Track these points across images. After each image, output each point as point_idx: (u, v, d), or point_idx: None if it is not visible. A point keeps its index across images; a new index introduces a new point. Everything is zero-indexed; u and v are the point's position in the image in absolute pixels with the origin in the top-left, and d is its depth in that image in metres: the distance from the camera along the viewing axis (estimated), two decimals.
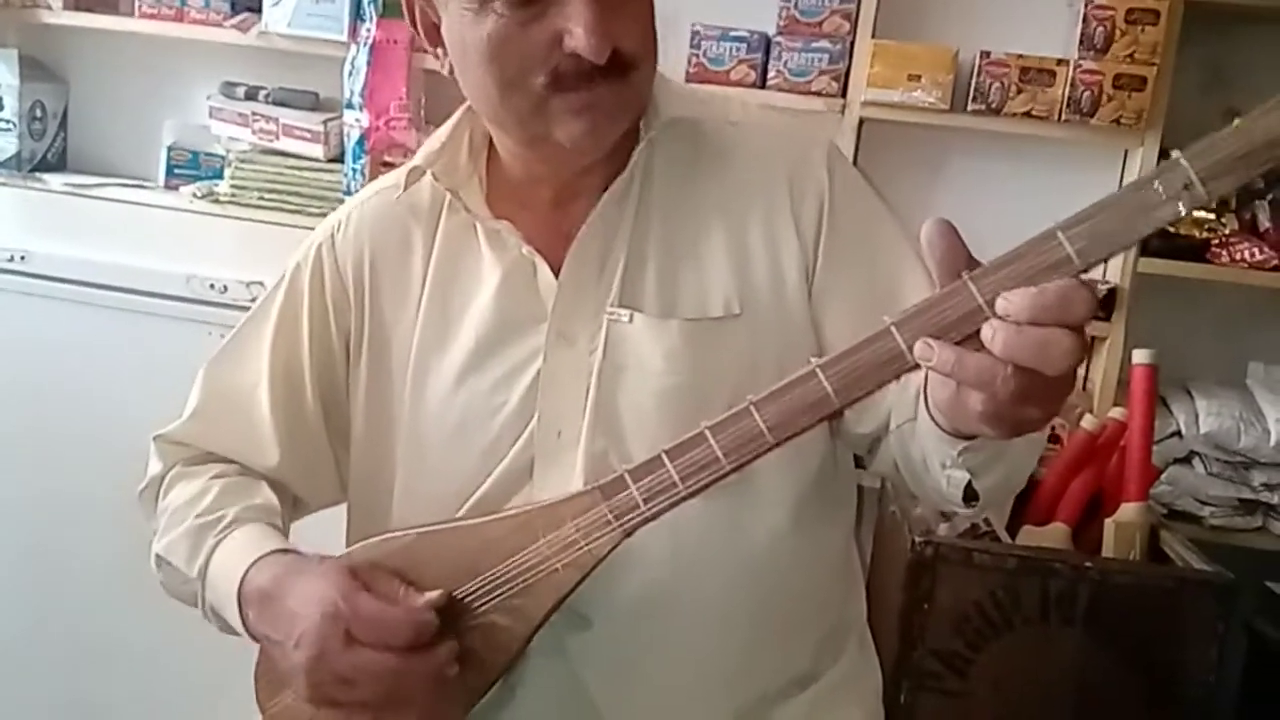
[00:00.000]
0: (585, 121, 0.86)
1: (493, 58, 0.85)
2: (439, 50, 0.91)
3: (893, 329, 0.67)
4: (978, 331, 0.65)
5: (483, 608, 0.84)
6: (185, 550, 0.94)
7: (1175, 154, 0.61)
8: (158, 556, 0.97)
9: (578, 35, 0.81)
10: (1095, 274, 2.18)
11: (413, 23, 0.93)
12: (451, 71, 0.91)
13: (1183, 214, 0.62)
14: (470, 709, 0.87)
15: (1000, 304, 0.64)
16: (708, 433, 0.74)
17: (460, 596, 0.84)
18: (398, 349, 0.97)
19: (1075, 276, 0.63)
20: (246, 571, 0.89)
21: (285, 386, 1.00)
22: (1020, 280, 0.64)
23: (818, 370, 0.70)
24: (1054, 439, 2.09)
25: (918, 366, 0.66)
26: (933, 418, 0.75)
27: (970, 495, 0.80)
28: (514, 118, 0.88)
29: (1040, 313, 0.62)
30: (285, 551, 0.90)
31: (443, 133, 0.97)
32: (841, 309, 0.92)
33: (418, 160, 0.95)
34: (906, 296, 0.92)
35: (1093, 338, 2.23)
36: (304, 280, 1.00)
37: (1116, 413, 1.92)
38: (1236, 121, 0.61)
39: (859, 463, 1.02)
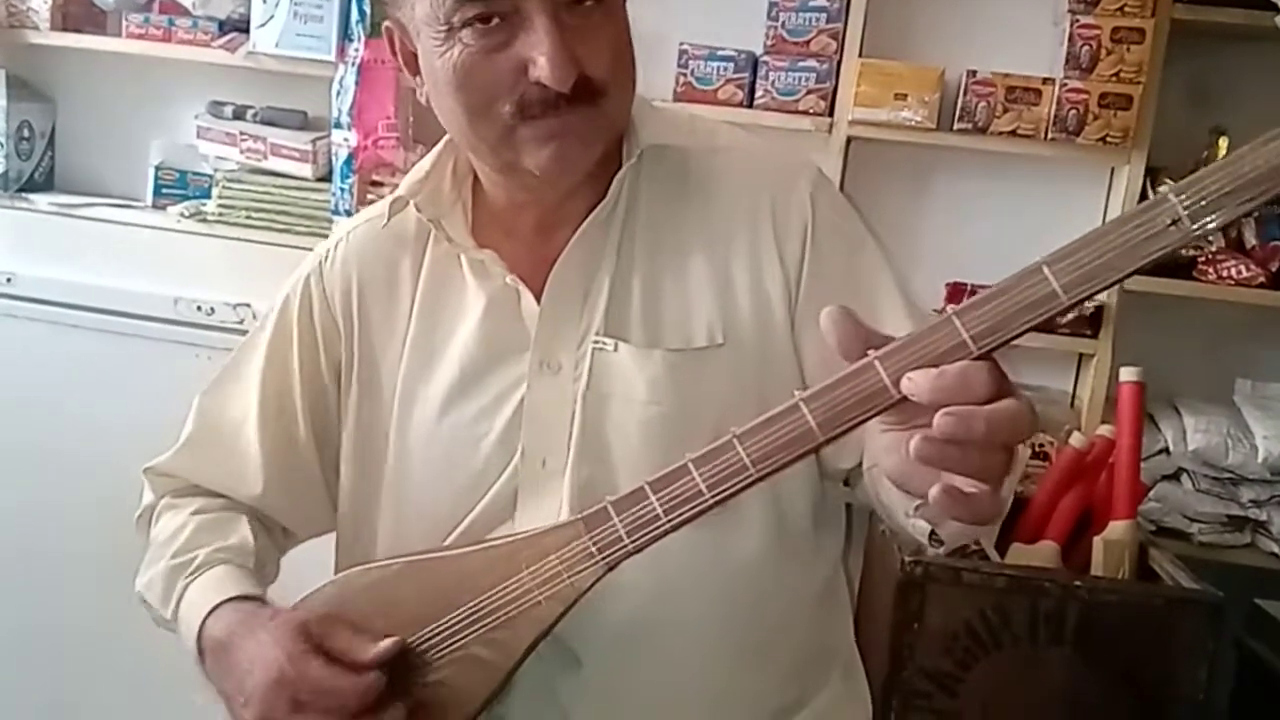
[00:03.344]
0: (553, 149, 0.86)
1: (460, 86, 0.85)
2: (418, 78, 0.92)
3: (876, 362, 0.66)
4: None
5: (463, 640, 0.83)
6: (160, 591, 0.95)
7: (1164, 189, 0.61)
8: (139, 594, 0.97)
9: (541, 64, 0.81)
10: None
11: (393, 51, 0.93)
12: (429, 100, 0.91)
13: (1169, 249, 0.61)
14: None
15: (904, 384, 0.64)
16: (691, 465, 0.73)
17: (440, 629, 0.84)
18: (386, 379, 0.97)
19: (982, 355, 0.64)
20: (205, 619, 0.90)
21: (276, 418, 1.00)
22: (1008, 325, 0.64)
23: (801, 404, 0.69)
24: (1043, 456, 2.09)
25: (902, 400, 0.66)
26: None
27: (936, 537, 0.80)
28: (485, 145, 0.88)
29: (940, 394, 0.63)
30: (246, 599, 0.91)
31: (426, 162, 0.97)
32: (821, 338, 0.92)
33: (401, 190, 0.95)
34: (885, 326, 0.91)
35: (1080, 355, 2.24)
36: (293, 312, 1.00)
37: (1105, 430, 1.92)
38: (1224, 156, 0.60)
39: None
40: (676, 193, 0.94)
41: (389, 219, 0.97)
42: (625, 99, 0.90)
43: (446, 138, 0.97)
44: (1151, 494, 2.08)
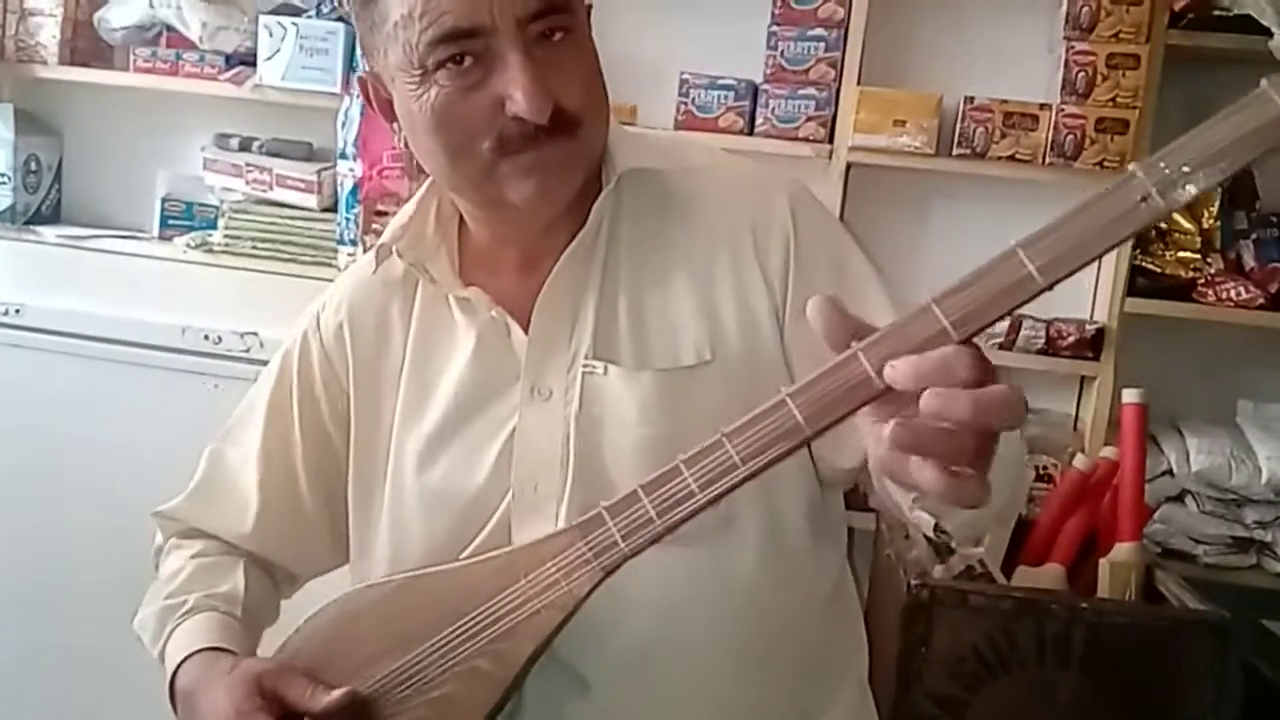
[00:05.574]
0: (535, 182, 0.87)
1: (439, 128, 0.86)
2: (395, 125, 0.93)
3: (859, 353, 0.66)
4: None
5: (464, 652, 0.84)
6: (151, 631, 0.98)
7: (1131, 167, 0.61)
8: (135, 630, 1.00)
9: (517, 99, 0.83)
10: (1083, 314, 2.20)
11: (369, 101, 0.95)
12: (408, 144, 0.93)
13: (1142, 227, 0.61)
14: None
15: (887, 372, 0.64)
16: (682, 466, 0.73)
17: (440, 642, 0.85)
18: (383, 420, 0.99)
19: (967, 340, 0.64)
20: (177, 669, 0.93)
21: (277, 465, 1.03)
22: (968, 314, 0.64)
23: (787, 399, 0.69)
24: (1047, 479, 2.10)
25: (888, 390, 0.66)
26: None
27: (942, 530, 0.80)
28: (467, 183, 0.90)
29: (922, 380, 0.63)
30: (215, 649, 0.93)
31: (409, 207, 0.99)
32: (814, 348, 0.92)
33: (384, 238, 0.97)
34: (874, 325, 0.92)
35: (1082, 377, 2.25)
36: (293, 363, 1.03)
37: (1108, 452, 1.92)
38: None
39: (855, 501, 1.01)
40: (656, 215, 0.95)
41: (376, 267, 0.99)
42: (600, 128, 0.91)
43: (429, 181, 0.99)
44: (1156, 516, 2.08)
